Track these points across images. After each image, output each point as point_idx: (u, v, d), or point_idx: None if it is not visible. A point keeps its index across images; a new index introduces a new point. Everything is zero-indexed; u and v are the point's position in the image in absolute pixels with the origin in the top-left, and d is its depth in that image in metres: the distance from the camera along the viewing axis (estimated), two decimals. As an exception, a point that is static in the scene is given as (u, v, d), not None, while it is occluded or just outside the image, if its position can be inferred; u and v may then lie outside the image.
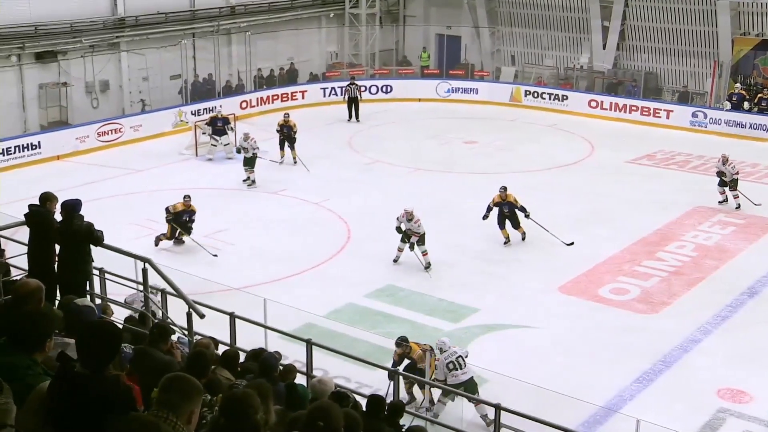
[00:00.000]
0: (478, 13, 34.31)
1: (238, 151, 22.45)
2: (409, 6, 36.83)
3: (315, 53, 34.77)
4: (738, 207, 20.79)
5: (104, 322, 5.21)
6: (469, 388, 11.67)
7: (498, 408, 9.30)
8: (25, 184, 20.23)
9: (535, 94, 31.90)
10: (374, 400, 7.84)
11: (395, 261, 17.43)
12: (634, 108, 29.87)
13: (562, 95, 31.44)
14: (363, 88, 30.57)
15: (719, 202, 21.03)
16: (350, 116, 29.73)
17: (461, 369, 11.67)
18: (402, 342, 12.24)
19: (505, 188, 18.38)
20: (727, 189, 20.90)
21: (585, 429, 11.61)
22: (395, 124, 29.54)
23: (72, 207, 8.99)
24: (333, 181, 22.87)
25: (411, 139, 27.72)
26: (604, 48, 32.05)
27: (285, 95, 31.42)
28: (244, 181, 22.35)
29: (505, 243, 18.49)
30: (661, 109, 29.52)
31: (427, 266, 17.17)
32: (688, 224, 19.95)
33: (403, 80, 33.72)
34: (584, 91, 31.72)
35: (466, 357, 11.86)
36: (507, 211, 18.34)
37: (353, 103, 29.72)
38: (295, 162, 23.95)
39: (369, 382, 11.73)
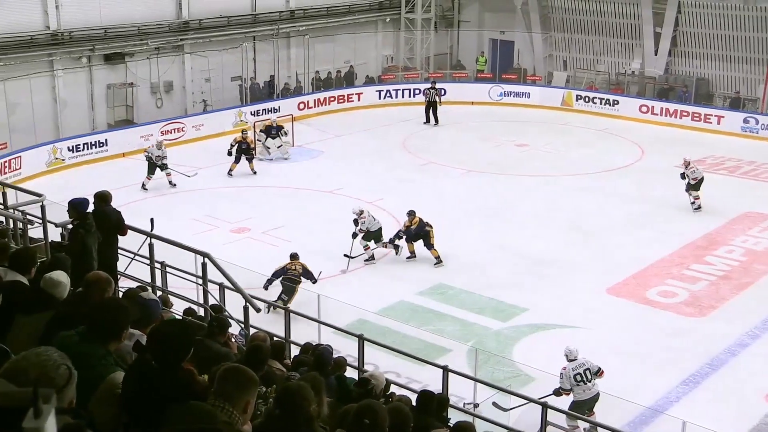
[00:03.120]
0: (531, 19, 34.49)
1: (148, 159, 22.65)
2: (464, 11, 37.15)
3: (371, 56, 35.22)
4: (698, 208, 20.90)
5: (179, 321, 5.23)
6: (594, 401, 11.53)
7: (545, 406, 9.33)
8: (92, 180, 20.99)
9: (587, 99, 32.05)
10: (424, 395, 7.81)
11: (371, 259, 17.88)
12: (685, 113, 29.86)
13: (613, 100, 31.53)
14: (443, 92, 30.75)
15: (692, 203, 21.11)
16: (427, 119, 30.00)
17: (589, 382, 11.39)
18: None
19: (412, 212, 18.07)
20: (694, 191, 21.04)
21: (631, 429, 11.74)
22: (449, 126, 29.78)
23: (83, 206, 9.15)
24: (387, 181, 23.25)
25: (464, 141, 28.01)
26: (655, 54, 32.02)
27: (342, 97, 32.00)
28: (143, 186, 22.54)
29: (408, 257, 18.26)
30: (712, 115, 29.43)
31: (369, 258, 17.83)
32: (737, 229, 19.93)
33: (456, 84, 34.08)
34: (635, 96, 31.70)
35: (597, 374, 11.52)
36: (420, 232, 17.98)
37: (432, 107, 29.94)
38: (255, 172, 24.08)
39: (419, 378, 11.72)
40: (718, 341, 14.58)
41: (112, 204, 9.70)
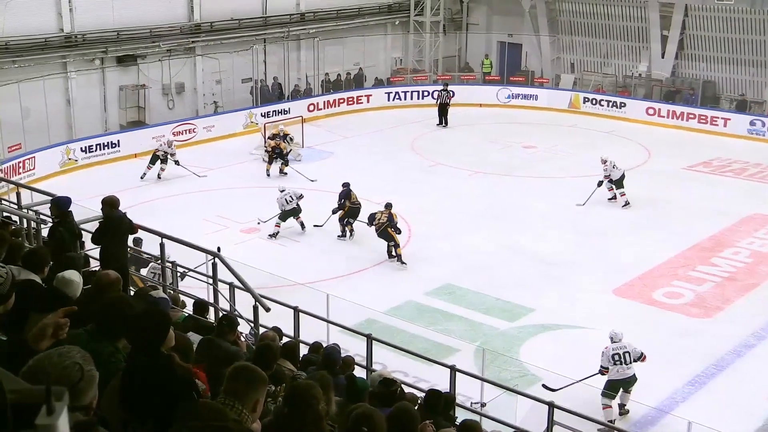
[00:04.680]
0: (539, 22, 34.61)
1: (153, 159, 23.53)
2: (472, 14, 37.27)
3: (380, 59, 35.41)
4: (626, 204, 21.40)
5: (152, 310, 5.33)
6: (628, 383, 12.16)
7: (551, 406, 9.30)
8: (104, 180, 21.31)
9: (594, 101, 32.16)
10: (432, 394, 7.87)
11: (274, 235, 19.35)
12: (692, 116, 29.90)
13: (620, 102, 31.63)
14: (452, 94, 30.87)
15: (608, 199, 21.62)
16: (440, 121, 30.27)
17: (625, 364, 11.98)
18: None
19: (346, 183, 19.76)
20: (614, 187, 21.42)
21: (637, 429, 11.89)
22: (457, 128, 29.92)
23: (66, 204, 9.31)
24: (395, 182, 23.31)
25: (472, 142, 28.13)
26: (662, 57, 32.10)
27: (351, 99, 32.22)
28: (142, 177, 23.47)
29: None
30: (718, 117, 29.48)
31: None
32: (743, 231, 19.99)
33: (465, 86, 34.17)
34: (642, 99, 31.80)
35: (640, 359, 12.14)
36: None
37: (443, 108, 30.22)
38: (286, 173, 24.41)
39: (426, 377, 11.81)
40: (724, 342, 14.65)
41: (120, 206, 9.79)
